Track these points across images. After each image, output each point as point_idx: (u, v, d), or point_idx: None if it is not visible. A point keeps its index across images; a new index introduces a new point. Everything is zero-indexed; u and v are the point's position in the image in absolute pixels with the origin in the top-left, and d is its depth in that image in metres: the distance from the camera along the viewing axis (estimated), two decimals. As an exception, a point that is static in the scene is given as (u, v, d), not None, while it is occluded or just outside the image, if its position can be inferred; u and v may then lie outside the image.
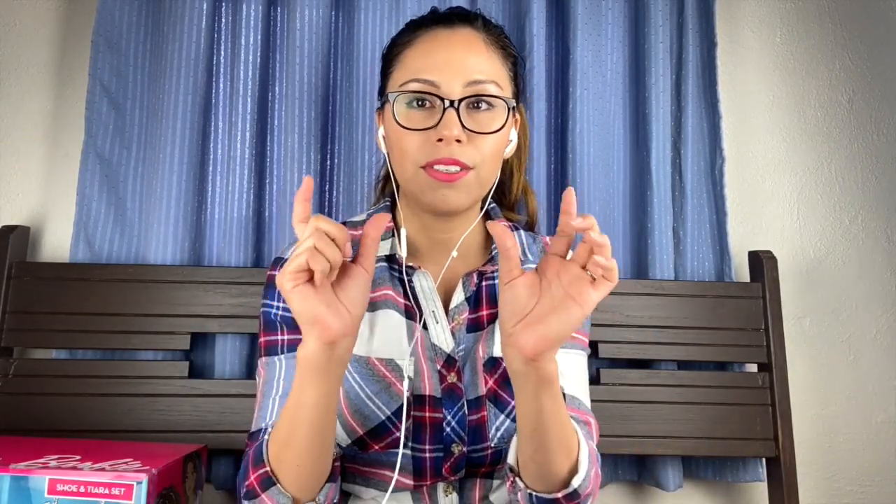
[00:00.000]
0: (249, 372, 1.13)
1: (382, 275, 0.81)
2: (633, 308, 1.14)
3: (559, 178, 1.23)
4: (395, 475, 0.70)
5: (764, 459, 1.16)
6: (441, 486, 0.78)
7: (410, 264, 0.81)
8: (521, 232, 0.91)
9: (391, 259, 0.82)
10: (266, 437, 0.69)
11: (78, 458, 0.81)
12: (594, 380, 1.14)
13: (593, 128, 1.22)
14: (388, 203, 0.87)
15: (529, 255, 0.88)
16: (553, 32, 1.26)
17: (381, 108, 0.82)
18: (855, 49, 1.34)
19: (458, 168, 0.73)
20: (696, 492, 1.24)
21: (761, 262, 1.18)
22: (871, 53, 1.34)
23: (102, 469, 0.75)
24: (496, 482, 0.81)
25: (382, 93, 0.83)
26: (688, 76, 1.24)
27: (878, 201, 1.31)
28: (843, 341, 1.29)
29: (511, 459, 0.71)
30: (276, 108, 1.20)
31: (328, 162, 1.20)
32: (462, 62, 0.75)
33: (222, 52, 1.20)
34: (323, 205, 1.18)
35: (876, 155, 1.32)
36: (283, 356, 0.77)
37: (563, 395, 0.81)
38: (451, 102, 0.73)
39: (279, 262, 0.82)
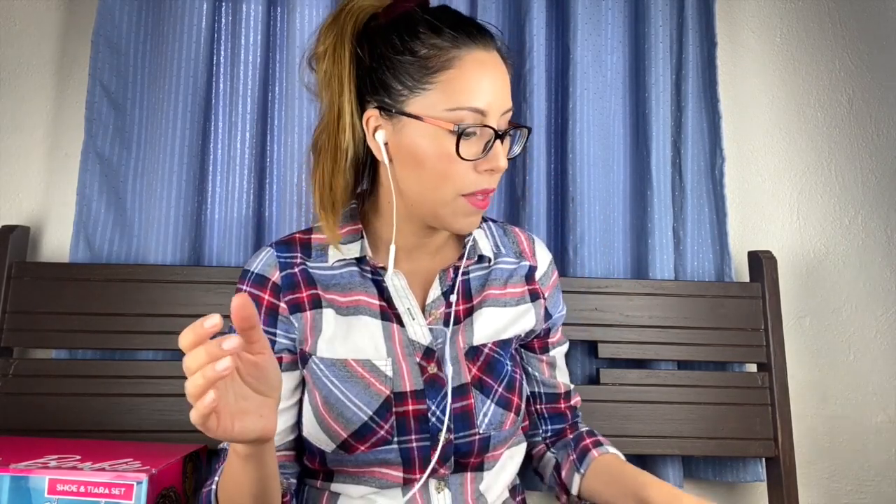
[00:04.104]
0: (249, 372, 1.12)
1: (353, 279, 0.81)
2: (632, 308, 1.14)
3: (559, 178, 1.23)
4: (419, 481, 0.72)
5: (763, 459, 1.16)
6: (433, 484, 0.78)
7: (381, 265, 0.81)
8: (491, 223, 0.92)
9: (361, 261, 0.82)
10: (214, 486, 0.71)
11: (78, 458, 0.81)
12: (594, 380, 1.14)
13: (593, 128, 1.22)
14: (354, 206, 0.84)
15: (502, 248, 0.89)
16: (553, 32, 1.26)
17: (380, 109, 0.75)
18: (855, 49, 1.35)
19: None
20: (696, 492, 1.23)
21: (761, 262, 1.18)
22: (871, 53, 1.34)
23: (102, 469, 0.75)
24: (486, 473, 0.81)
25: (387, 90, 0.74)
26: (688, 76, 1.25)
27: (878, 201, 1.31)
28: (843, 341, 1.29)
29: (574, 490, 0.85)
30: (277, 108, 1.20)
31: (328, 162, 1.19)
32: (503, 92, 0.75)
33: (222, 52, 1.20)
34: (323, 205, 1.18)
35: (876, 155, 1.32)
36: None
37: (565, 393, 0.90)
38: (499, 135, 0.73)
39: (247, 275, 0.81)
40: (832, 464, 1.27)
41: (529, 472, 1.08)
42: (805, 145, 1.33)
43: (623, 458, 0.87)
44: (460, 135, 0.71)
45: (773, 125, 1.34)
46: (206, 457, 0.97)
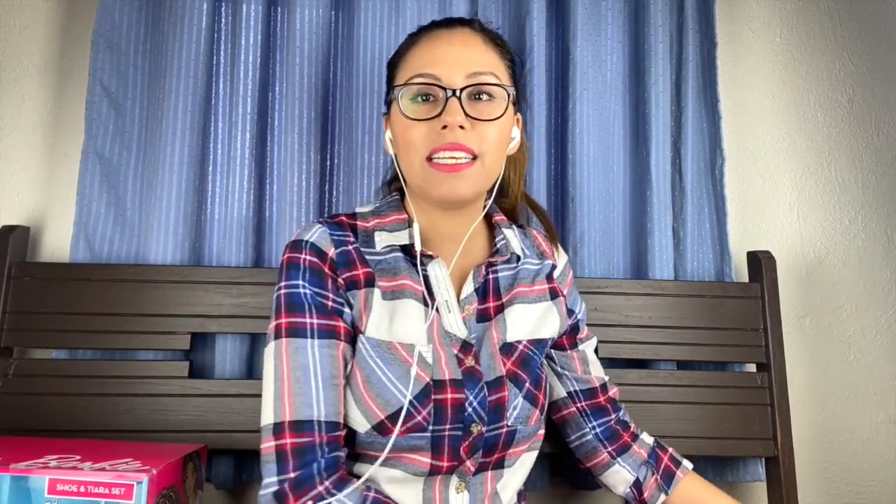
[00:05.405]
0: (250, 372, 1.13)
1: (399, 264, 0.82)
2: (632, 308, 1.14)
3: (559, 178, 1.23)
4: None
5: (763, 459, 1.16)
6: (453, 483, 0.78)
7: (429, 253, 0.82)
8: (514, 228, 0.93)
9: (405, 249, 0.83)
10: None
11: (78, 458, 0.81)
12: (594, 380, 1.15)
13: (593, 128, 1.22)
14: (396, 197, 0.88)
15: (526, 251, 0.91)
16: (553, 32, 1.26)
17: (387, 113, 0.86)
18: (855, 49, 1.35)
19: (463, 154, 0.75)
20: (695, 492, 1.24)
21: (760, 263, 1.18)
22: (871, 53, 1.34)
23: (102, 469, 0.75)
24: (506, 471, 0.82)
25: (389, 100, 0.85)
26: (688, 76, 1.25)
27: (878, 201, 1.31)
28: (843, 341, 1.29)
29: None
30: (276, 109, 1.20)
31: (328, 162, 1.20)
32: (462, 56, 0.79)
33: (222, 52, 1.20)
34: (323, 205, 1.18)
35: (876, 155, 1.32)
36: (314, 341, 0.75)
37: (601, 386, 0.95)
38: (454, 91, 0.76)
39: (303, 244, 0.80)
40: (832, 464, 1.27)
41: (530, 474, 1.08)
42: (805, 145, 1.33)
43: (693, 472, 0.94)
44: (400, 99, 0.78)
45: (773, 125, 1.34)
46: (206, 457, 0.97)
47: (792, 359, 1.22)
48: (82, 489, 0.73)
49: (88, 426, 1.03)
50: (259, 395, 1.04)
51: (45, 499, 0.73)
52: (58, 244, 1.19)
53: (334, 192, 1.19)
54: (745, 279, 1.23)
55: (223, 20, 1.20)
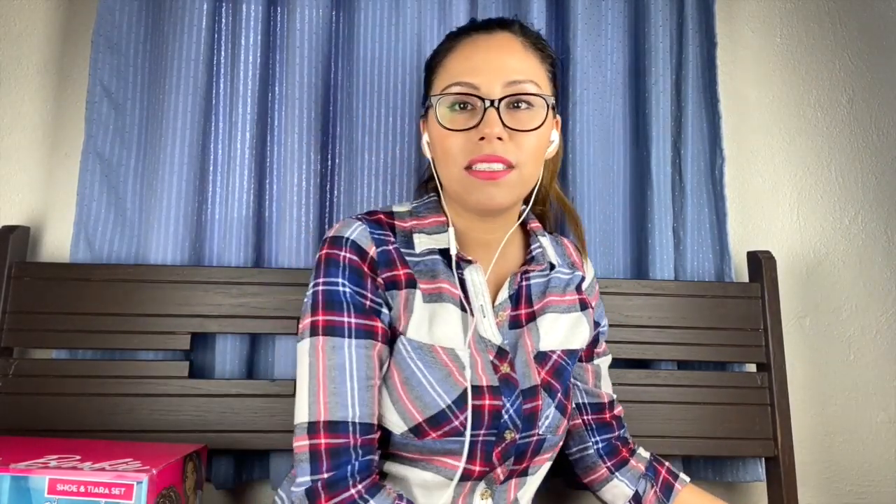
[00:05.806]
0: (250, 372, 1.13)
1: (438, 267, 0.82)
2: (632, 308, 1.14)
3: (559, 178, 1.22)
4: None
5: (763, 459, 1.16)
6: (479, 490, 0.79)
7: (468, 257, 0.82)
8: (548, 236, 0.93)
9: (444, 252, 0.83)
10: None
11: (78, 458, 0.81)
12: (594, 380, 1.15)
13: (593, 128, 1.22)
14: (434, 198, 0.87)
15: (558, 259, 0.91)
16: (553, 32, 1.26)
17: (424, 116, 0.85)
18: (855, 49, 1.35)
19: (500, 165, 0.75)
20: (695, 492, 1.24)
21: (760, 263, 1.18)
22: (871, 53, 1.34)
23: (102, 469, 0.75)
24: (529, 478, 0.83)
25: (426, 104, 0.84)
26: (688, 76, 1.25)
27: (878, 201, 1.31)
28: (843, 341, 1.29)
29: None
30: (277, 109, 1.20)
31: (328, 162, 1.20)
32: (500, 63, 0.77)
33: (222, 52, 1.20)
34: (324, 205, 1.18)
35: (876, 155, 1.32)
36: (352, 340, 0.75)
37: (609, 403, 0.94)
38: (492, 102, 0.75)
39: (343, 241, 0.78)
40: (832, 464, 1.27)
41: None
42: (805, 145, 1.34)
43: (692, 484, 0.94)
44: (437, 107, 0.77)
45: (773, 125, 1.34)
46: (206, 457, 0.97)
47: (792, 359, 1.22)
48: (82, 489, 0.73)
49: (88, 426, 1.03)
50: (259, 395, 1.06)
51: (45, 499, 0.73)
52: (58, 244, 1.19)
53: (335, 192, 1.19)
54: (746, 279, 1.23)
55: (223, 20, 1.20)
